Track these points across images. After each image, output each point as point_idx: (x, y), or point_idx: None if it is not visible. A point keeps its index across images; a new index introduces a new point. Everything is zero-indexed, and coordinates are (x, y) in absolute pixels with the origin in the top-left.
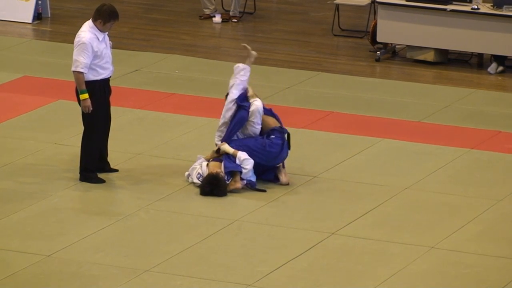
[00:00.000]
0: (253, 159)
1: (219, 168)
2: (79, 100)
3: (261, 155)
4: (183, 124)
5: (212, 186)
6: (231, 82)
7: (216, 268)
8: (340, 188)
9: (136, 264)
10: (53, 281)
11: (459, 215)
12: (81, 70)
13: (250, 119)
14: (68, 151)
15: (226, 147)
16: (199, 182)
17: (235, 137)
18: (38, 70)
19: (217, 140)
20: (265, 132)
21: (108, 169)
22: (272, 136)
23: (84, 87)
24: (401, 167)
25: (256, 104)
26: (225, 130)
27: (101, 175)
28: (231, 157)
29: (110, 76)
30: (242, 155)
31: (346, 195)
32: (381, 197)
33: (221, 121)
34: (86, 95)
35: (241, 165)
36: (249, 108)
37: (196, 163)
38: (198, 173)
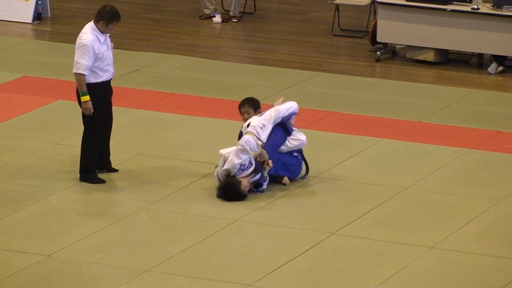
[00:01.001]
0: (286, 174)
1: (247, 181)
2: (79, 102)
3: (295, 172)
4: (183, 124)
5: (228, 196)
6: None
7: (216, 268)
8: (340, 188)
9: (136, 264)
10: (53, 281)
11: (459, 215)
12: (83, 72)
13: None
14: (68, 151)
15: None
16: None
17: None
18: (38, 70)
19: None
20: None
21: (109, 168)
22: (295, 154)
23: (85, 89)
24: (401, 167)
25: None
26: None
27: (101, 175)
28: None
29: (111, 78)
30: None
31: (346, 195)
32: (381, 197)
33: (265, 123)
34: (87, 97)
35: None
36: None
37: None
38: (244, 165)
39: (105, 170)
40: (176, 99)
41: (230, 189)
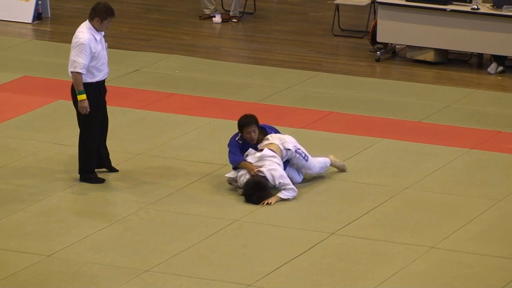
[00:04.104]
0: None
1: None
2: (74, 101)
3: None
4: (183, 124)
5: (258, 191)
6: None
7: (216, 268)
8: (340, 188)
9: (136, 264)
10: (53, 281)
11: (459, 215)
12: (80, 71)
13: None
14: (68, 151)
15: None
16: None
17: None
18: (38, 70)
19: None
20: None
21: (110, 167)
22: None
23: (82, 88)
24: (401, 167)
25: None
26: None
27: (100, 175)
28: None
29: (106, 78)
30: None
31: (346, 195)
32: (381, 197)
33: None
34: (84, 96)
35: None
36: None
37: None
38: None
39: (105, 170)
40: (176, 99)
41: (263, 187)
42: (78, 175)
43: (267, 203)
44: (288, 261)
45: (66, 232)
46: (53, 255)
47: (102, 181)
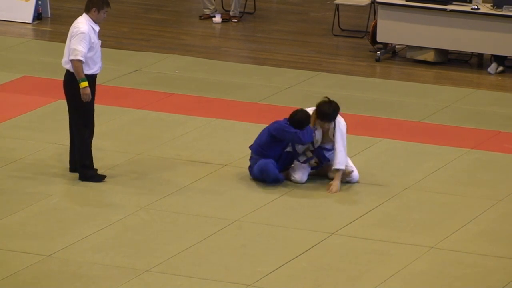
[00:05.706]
0: None
1: None
2: (67, 94)
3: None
4: (183, 124)
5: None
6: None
7: (216, 268)
8: (340, 188)
9: (136, 264)
10: (53, 281)
11: (459, 215)
12: (81, 59)
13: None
14: (68, 151)
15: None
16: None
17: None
18: (38, 70)
19: None
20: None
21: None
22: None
23: (83, 75)
24: (401, 167)
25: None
26: None
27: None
28: None
29: (98, 73)
30: None
31: (345, 195)
32: (381, 197)
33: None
34: (86, 83)
35: None
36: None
37: None
38: None
39: (99, 169)
40: (176, 99)
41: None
42: (78, 174)
43: (334, 191)
44: (288, 261)
45: (66, 232)
46: (53, 255)
47: (102, 177)
